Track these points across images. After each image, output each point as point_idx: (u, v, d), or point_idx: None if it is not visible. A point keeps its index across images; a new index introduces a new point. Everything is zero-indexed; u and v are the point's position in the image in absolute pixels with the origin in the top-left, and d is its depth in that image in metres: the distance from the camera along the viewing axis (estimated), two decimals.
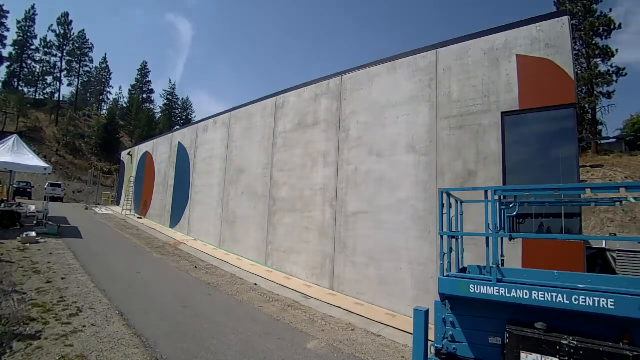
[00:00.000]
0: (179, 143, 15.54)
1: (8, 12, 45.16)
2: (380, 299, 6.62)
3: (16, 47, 47.00)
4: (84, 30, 53.94)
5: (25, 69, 49.01)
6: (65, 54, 51.34)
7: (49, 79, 50.72)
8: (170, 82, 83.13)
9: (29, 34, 48.01)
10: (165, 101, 64.52)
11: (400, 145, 6.86)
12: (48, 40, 49.21)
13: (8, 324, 4.26)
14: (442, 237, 3.59)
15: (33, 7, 48.52)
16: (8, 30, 45.56)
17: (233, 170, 11.45)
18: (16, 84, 47.75)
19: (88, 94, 64.34)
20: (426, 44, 6.88)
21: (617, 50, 23.87)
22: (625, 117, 31.27)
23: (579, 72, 24.38)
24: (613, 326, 2.48)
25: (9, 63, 46.86)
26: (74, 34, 51.92)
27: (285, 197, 9.17)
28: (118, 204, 24.65)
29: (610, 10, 24.17)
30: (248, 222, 10.34)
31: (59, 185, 27.92)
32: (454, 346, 3.11)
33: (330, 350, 4.61)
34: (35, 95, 50.19)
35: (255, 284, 7.73)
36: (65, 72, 52.20)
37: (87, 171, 36.16)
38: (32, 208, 13.71)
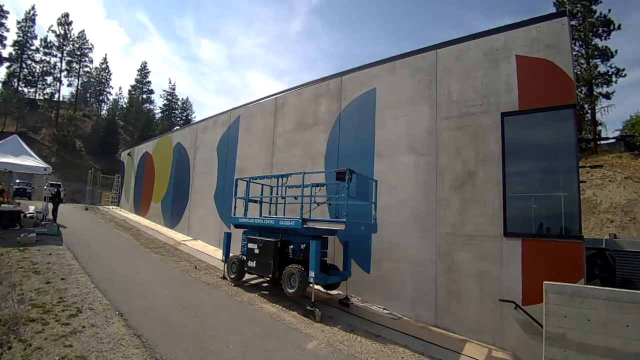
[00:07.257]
0: (179, 143, 15.52)
1: (8, 12, 45.26)
2: (380, 299, 6.62)
3: (16, 47, 46.97)
4: (84, 30, 54.07)
5: (25, 69, 48.85)
6: (65, 54, 51.30)
7: (49, 79, 50.55)
8: (170, 82, 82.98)
9: (28, 34, 47.98)
10: (165, 101, 64.53)
11: (400, 145, 6.86)
12: (48, 40, 49.25)
13: (8, 324, 4.26)
14: None
15: (33, 8, 48.60)
16: (8, 30, 45.64)
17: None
18: (16, 84, 47.65)
19: (88, 94, 64.30)
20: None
21: (616, 51, 23.91)
22: (625, 117, 31.31)
23: (579, 72, 24.41)
24: None
25: (8, 63, 46.82)
26: (74, 34, 51.98)
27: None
28: (118, 204, 24.64)
29: (610, 10, 24.20)
30: None
31: (59, 186, 27.86)
32: None
33: (330, 350, 4.61)
34: (35, 96, 50.03)
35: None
36: (65, 73, 52.09)
37: (86, 171, 36.12)
38: (32, 208, 13.70)
